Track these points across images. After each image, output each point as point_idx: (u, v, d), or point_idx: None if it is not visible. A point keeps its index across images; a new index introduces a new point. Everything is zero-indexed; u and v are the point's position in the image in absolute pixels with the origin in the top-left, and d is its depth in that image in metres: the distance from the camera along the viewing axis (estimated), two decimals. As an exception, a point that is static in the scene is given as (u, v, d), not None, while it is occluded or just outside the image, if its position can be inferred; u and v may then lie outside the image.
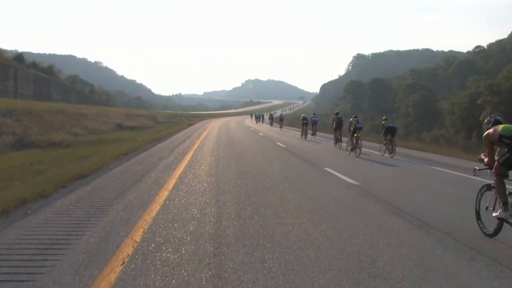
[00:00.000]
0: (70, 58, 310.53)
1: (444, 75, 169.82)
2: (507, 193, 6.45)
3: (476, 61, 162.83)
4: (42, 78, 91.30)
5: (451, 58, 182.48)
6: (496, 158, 6.77)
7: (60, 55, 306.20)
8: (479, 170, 7.17)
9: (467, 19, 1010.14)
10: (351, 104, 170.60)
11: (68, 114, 46.11)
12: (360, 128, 20.33)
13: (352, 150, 19.94)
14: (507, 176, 6.63)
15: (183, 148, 20.38)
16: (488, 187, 6.95)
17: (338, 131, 24.45)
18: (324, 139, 32.44)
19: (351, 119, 21.53)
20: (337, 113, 26.10)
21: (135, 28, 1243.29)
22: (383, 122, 21.30)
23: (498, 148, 6.88)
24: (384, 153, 20.30)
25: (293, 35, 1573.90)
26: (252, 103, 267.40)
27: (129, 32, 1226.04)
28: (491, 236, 6.59)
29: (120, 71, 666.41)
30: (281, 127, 52.76)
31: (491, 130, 6.72)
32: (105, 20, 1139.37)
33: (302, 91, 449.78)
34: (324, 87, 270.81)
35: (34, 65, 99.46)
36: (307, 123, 32.74)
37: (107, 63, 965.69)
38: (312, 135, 33.70)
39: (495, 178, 6.63)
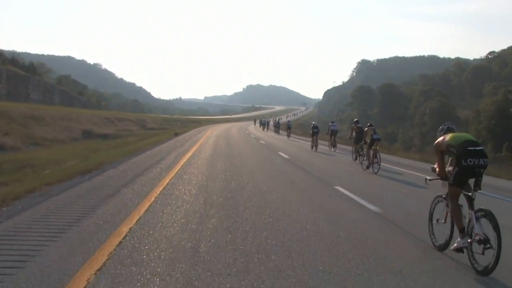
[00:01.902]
0: (69, 59, 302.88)
1: (456, 81, 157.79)
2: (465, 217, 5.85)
3: (491, 67, 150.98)
4: (18, 76, 78.83)
5: (462, 64, 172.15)
6: (448, 168, 6.30)
7: (58, 56, 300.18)
8: (429, 180, 6.81)
9: (471, 27, 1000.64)
10: (359, 110, 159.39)
11: (13, 117, 33.39)
12: (379, 140, 17.50)
13: (368, 166, 17.07)
14: (463, 188, 5.93)
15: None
16: (440, 197, 6.56)
17: (358, 143, 20.39)
18: (339, 151, 27.51)
19: (365, 128, 18.53)
20: (356, 121, 22.33)
21: (136, 31, 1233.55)
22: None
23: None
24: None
25: (295, 41, 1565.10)
26: (253, 109, 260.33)
27: (130, 35, 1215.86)
28: (441, 250, 6.22)
29: (119, 74, 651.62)
30: (288, 135, 46.08)
31: (440, 139, 6.32)
32: (106, 22, 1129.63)
33: (304, 97, 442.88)
34: (328, 93, 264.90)
35: (12, 61, 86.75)
36: (318, 132, 28.19)
37: (107, 65, 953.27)
38: (331, 147, 28.49)
39: (446, 195, 6.26)
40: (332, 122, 29.99)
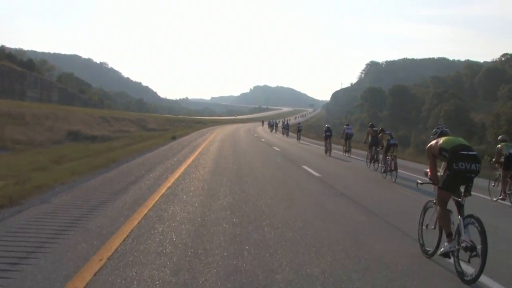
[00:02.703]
0: (75, 58, 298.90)
1: (468, 84, 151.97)
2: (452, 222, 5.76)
3: (504, 70, 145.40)
4: (13, 72, 74.01)
5: (474, 66, 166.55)
6: (440, 173, 6.22)
7: (64, 55, 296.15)
8: (421, 184, 6.58)
9: (480, 30, 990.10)
10: (368, 112, 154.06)
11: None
12: (396, 145, 16.18)
13: (386, 172, 15.80)
14: (452, 192, 5.82)
15: None
16: (431, 202, 6.35)
17: (374, 147, 19.17)
18: (354, 157, 25.36)
19: (380, 133, 17.32)
20: (372, 125, 20.80)
21: (143, 30, 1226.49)
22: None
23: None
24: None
25: (302, 42, 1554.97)
26: (260, 110, 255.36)
27: (137, 34, 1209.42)
28: (429, 256, 6.03)
29: (126, 73, 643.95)
30: (298, 138, 43.56)
31: (433, 142, 6.18)
32: (113, 21, 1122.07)
33: (311, 98, 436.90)
34: (336, 95, 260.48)
35: (9, 56, 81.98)
36: (331, 135, 26.90)
37: (113, 64, 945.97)
38: (345, 153, 26.28)
39: (436, 200, 6.07)
40: (347, 124, 27.63)
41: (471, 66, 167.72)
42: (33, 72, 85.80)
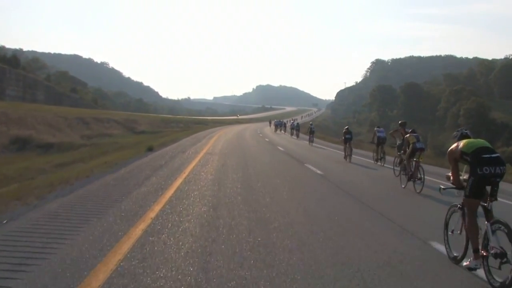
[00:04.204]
0: (76, 58, 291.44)
1: (483, 81, 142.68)
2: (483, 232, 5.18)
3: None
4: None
5: (487, 63, 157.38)
6: (464, 177, 5.90)
7: (65, 55, 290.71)
8: (444, 189, 6.16)
9: (486, 28, 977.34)
10: (378, 112, 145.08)
11: None
12: (422, 149, 13.64)
13: (409, 180, 13.04)
14: (480, 199, 5.33)
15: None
16: (456, 207, 5.93)
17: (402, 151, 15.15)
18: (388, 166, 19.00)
19: (407, 135, 14.20)
20: (403, 124, 16.45)
21: (144, 30, 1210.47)
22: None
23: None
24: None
25: (305, 41, 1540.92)
26: (264, 109, 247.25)
27: (138, 34, 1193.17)
28: (456, 262, 5.64)
29: (127, 73, 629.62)
30: (311, 141, 36.79)
31: (454, 146, 5.79)
32: (114, 21, 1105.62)
33: (315, 98, 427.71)
34: (340, 94, 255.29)
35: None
36: (351, 138, 22.94)
37: (114, 64, 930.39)
38: (377, 161, 20.82)
39: (461, 205, 5.68)
40: (378, 127, 23.49)
41: (483, 63, 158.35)
42: (17, 69, 76.71)
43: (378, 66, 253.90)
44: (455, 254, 5.67)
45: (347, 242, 6.28)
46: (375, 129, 22.52)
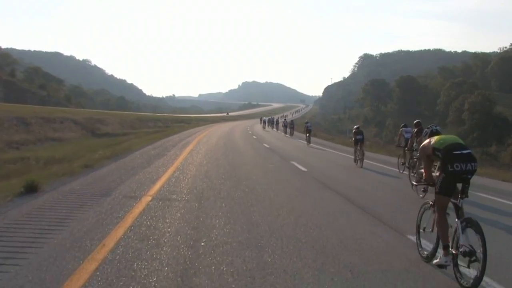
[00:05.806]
0: (56, 55, 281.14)
1: (479, 74, 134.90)
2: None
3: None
4: None
5: (480, 55, 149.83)
6: (436, 174, 5.50)
7: (45, 52, 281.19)
8: (416, 186, 6.40)
9: (471, 24, 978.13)
10: (371, 107, 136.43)
11: None
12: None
13: (425, 191, 10.65)
14: (451, 196, 5.10)
15: None
16: (428, 204, 5.67)
17: (414, 152, 14.27)
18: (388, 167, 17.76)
19: (422, 131, 10.95)
20: (418, 123, 14.55)
21: (127, 27, 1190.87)
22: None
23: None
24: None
25: (291, 37, 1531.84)
26: (250, 106, 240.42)
27: (121, 31, 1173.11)
28: (427, 260, 5.41)
29: (110, 71, 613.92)
30: (308, 141, 31.96)
31: (426, 142, 5.57)
32: (97, 18, 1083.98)
33: (302, 94, 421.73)
34: (329, 89, 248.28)
35: None
36: (363, 139, 19.55)
37: (97, 62, 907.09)
38: (405, 169, 15.89)
39: (434, 202, 5.39)
40: (405, 126, 17.65)
41: (478, 56, 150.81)
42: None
43: (366, 61, 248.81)
44: (426, 253, 5.46)
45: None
46: (401, 128, 17.45)
